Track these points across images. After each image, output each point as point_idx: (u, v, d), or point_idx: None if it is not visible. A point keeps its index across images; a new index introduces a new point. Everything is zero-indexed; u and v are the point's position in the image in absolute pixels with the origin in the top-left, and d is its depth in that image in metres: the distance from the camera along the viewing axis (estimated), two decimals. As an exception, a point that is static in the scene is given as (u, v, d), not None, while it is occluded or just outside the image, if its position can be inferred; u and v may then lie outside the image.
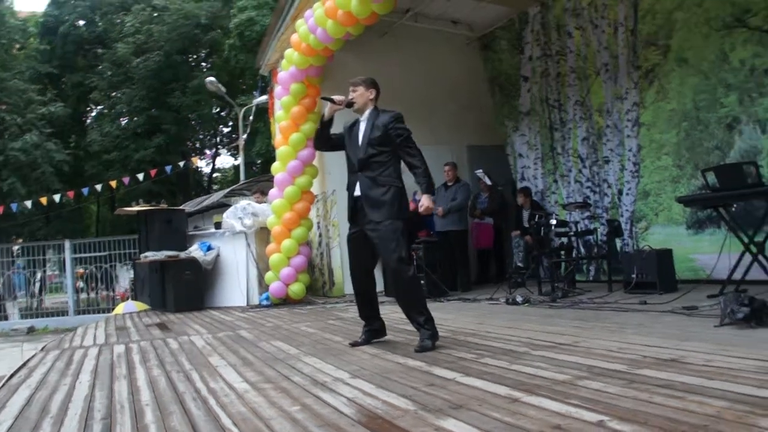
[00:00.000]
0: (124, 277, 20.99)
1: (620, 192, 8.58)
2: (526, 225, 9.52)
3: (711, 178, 6.12)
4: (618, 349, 3.94)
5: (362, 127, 4.81)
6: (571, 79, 9.35)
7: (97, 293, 19.46)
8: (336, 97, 4.85)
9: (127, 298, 19.45)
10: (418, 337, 4.55)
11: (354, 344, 4.88)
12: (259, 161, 33.07)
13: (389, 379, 3.58)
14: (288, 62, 9.93)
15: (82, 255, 17.27)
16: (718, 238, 7.17)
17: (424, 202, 4.70)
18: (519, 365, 3.68)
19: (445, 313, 6.47)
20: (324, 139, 5.05)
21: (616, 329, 4.76)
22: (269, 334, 6.04)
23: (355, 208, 4.80)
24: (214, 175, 42.16)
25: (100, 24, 32.97)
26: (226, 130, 40.21)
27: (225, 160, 42.09)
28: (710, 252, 7.27)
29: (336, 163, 10.55)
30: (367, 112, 4.83)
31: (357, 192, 4.75)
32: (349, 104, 4.83)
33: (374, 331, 5.00)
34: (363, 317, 5.03)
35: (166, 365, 4.63)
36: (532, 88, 10.25)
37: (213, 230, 10.61)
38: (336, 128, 5.05)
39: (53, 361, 5.38)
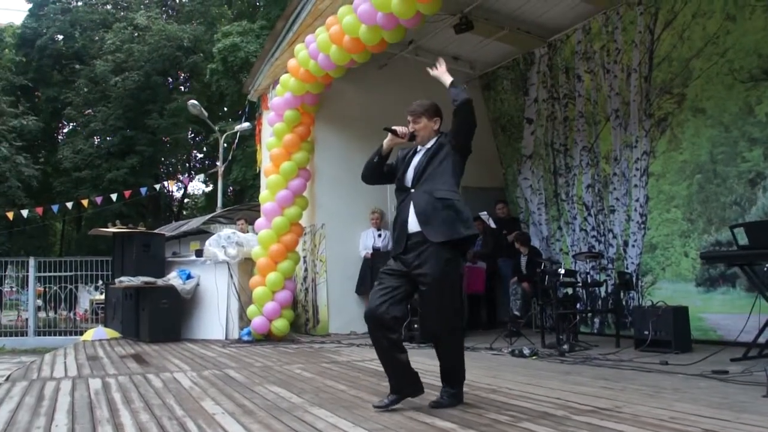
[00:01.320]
0: (85, 298, 20.26)
1: (626, 243, 8.25)
2: (524, 271, 9.16)
3: (739, 234, 5.79)
4: (670, 418, 3.53)
5: (419, 154, 4.21)
6: (580, 123, 9.07)
7: (56, 313, 18.74)
8: (399, 129, 4.19)
9: (86, 320, 18.77)
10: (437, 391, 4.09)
11: (378, 406, 3.93)
12: (232, 189, 32.54)
13: (422, 443, 3.13)
14: (283, 88, 9.56)
15: (46, 274, 16.52)
16: (731, 298, 6.91)
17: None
18: (568, 434, 3.25)
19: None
20: (378, 175, 4.35)
21: (652, 393, 4.36)
22: (261, 377, 5.53)
23: (407, 247, 4.03)
24: (185, 200, 41.47)
25: (79, 39, 32.36)
26: (199, 155, 39.69)
27: (196, 186, 41.48)
28: (721, 312, 6.98)
29: (327, 194, 10.20)
30: (430, 143, 4.22)
31: (411, 221, 4.03)
32: (412, 137, 4.22)
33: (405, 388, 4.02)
34: (394, 390, 3.99)
35: (153, 409, 4.10)
36: (536, 131, 9.97)
37: (194, 258, 10.06)
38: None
39: (21, 395, 4.80)
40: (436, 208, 3.96)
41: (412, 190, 4.08)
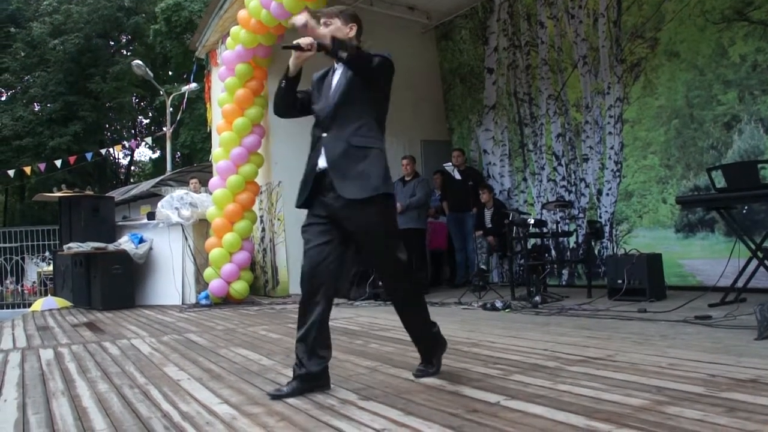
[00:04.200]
0: (33, 270, 19.58)
1: (599, 192, 8.08)
2: (489, 225, 8.95)
3: (717, 177, 5.61)
4: (669, 365, 3.33)
5: (337, 74, 3.40)
6: (544, 71, 8.82)
7: (3, 287, 18.08)
8: (302, 41, 3.20)
9: (35, 293, 18.14)
10: (411, 347, 3.58)
11: (276, 395, 3.10)
12: (179, 153, 31.78)
13: (413, 402, 2.85)
14: (234, 41, 9.10)
15: (-10, 245, 15.83)
16: (711, 243, 6.81)
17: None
18: (566, 385, 3.01)
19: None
20: (290, 102, 3.44)
21: (641, 341, 4.16)
22: (225, 340, 5.20)
23: (318, 188, 3.32)
24: (132, 168, 40.45)
25: (13, 2, 30.91)
26: (145, 121, 38.65)
27: (143, 153, 40.45)
28: (701, 257, 6.87)
29: (283, 152, 9.79)
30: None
31: (321, 162, 3.28)
32: (320, 46, 3.22)
33: (310, 376, 3.18)
34: (301, 352, 3.24)
35: (112, 378, 3.75)
36: (498, 81, 9.68)
37: (146, 221, 9.60)
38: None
39: (-36, 368, 4.41)
40: (350, 157, 3.25)
41: (324, 135, 3.32)
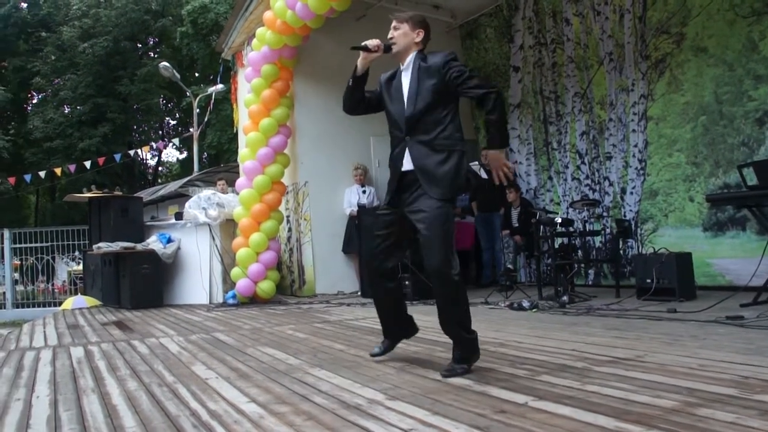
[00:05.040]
0: (63, 270, 19.82)
1: (623, 191, 8.00)
2: (516, 224, 8.90)
3: (749, 174, 5.53)
4: (699, 366, 3.29)
5: (405, 77, 3.68)
6: (570, 69, 8.75)
7: (34, 286, 18.32)
8: (370, 43, 3.64)
9: (65, 292, 18.37)
10: (438, 347, 3.82)
11: (376, 354, 3.91)
12: (206, 154, 31.96)
13: (440, 402, 2.84)
14: (260, 42, 9.15)
15: (22, 245, 16.03)
16: (741, 242, 6.70)
17: (493, 156, 3.59)
18: (594, 386, 2.98)
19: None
20: (356, 100, 3.84)
21: (671, 341, 4.11)
22: (253, 339, 5.23)
23: (401, 187, 3.65)
24: (159, 168, 40.80)
25: (44, 6, 31.40)
26: (173, 122, 38.96)
27: (170, 153, 40.79)
28: (730, 256, 6.76)
29: (310, 152, 9.83)
30: (409, 58, 3.68)
31: (407, 164, 3.60)
32: (387, 48, 3.67)
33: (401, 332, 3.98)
34: (387, 335, 3.95)
35: (141, 376, 3.79)
36: (523, 79, 9.63)
37: (173, 221, 9.68)
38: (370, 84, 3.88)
39: (-2, 366, 4.48)
40: (436, 162, 3.53)
41: (407, 138, 3.62)
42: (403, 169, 3.63)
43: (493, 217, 9.16)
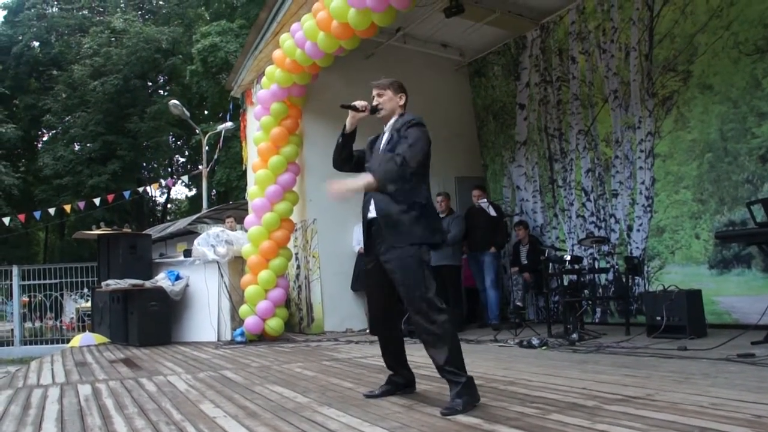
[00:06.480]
0: (71, 307, 19.84)
1: (630, 228, 7.99)
2: (525, 261, 8.89)
3: (757, 211, 5.53)
4: (711, 405, 3.26)
5: (385, 136, 3.96)
6: (575, 106, 8.81)
7: (42, 323, 18.33)
8: (358, 103, 3.92)
9: (73, 329, 18.36)
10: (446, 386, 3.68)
11: (370, 395, 3.99)
12: (215, 191, 32.10)
13: (450, 441, 2.83)
14: (269, 80, 9.25)
15: (31, 282, 16.08)
16: (747, 279, 6.66)
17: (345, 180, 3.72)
18: (604, 425, 2.96)
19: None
20: (345, 157, 4.09)
21: (682, 380, 4.09)
22: (260, 377, 5.21)
23: (370, 234, 3.90)
24: (168, 205, 40.97)
25: (55, 45, 31.87)
26: (182, 160, 39.20)
27: (179, 191, 40.99)
28: (736, 294, 6.72)
29: (317, 189, 9.83)
30: (392, 121, 3.97)
31: (372, 212, 3.84)
32: (374, 110, 3.96)
33: (397, 384, 4.06)
34: (388, 367, 4.15)
35: (149, 414, 3.78)
36: (529, 116, 9.70)
37: (182, 258, 9.71)
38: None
39: (6, 403, 4.47)
40: (399, 210, 3.76)
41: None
42: (369, 216, 3.88)
43: (482, 256, 8.99)
